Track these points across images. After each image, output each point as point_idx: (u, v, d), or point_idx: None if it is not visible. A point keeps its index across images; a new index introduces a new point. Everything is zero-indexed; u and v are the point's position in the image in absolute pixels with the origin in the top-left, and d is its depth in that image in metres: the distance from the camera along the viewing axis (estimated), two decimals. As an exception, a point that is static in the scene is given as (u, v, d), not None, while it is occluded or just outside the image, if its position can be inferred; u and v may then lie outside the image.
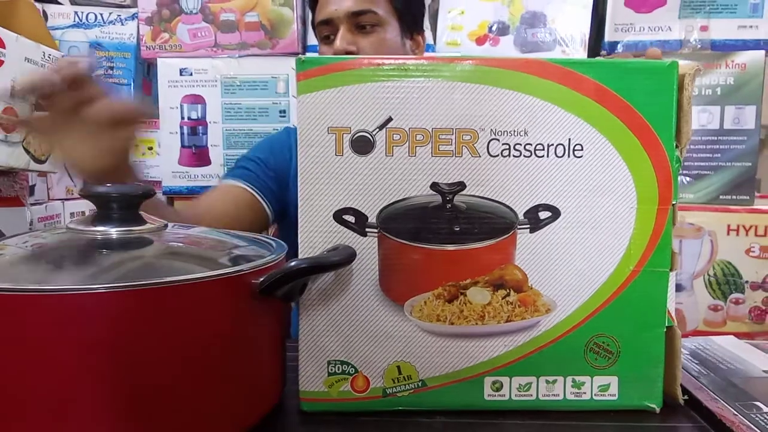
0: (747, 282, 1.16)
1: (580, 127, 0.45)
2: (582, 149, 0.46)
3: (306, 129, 0.45)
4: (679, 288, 1.19)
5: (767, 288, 1.16)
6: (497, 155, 0.45)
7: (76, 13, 1.34)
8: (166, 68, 1.26)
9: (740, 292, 1.17)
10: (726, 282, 1.17)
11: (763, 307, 1.17)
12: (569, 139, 0.45)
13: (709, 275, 1.18)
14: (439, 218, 0.46)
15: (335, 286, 0.46)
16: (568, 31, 1.24)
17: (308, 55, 1.26)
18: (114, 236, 0.44)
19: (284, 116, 1.25)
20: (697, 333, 1.19)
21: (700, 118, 1.18)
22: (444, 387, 0.47)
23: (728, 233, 1.16)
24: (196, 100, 1.26)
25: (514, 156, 0.45)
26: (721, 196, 1.18)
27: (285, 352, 0.49)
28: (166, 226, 0.48)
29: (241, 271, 0.41)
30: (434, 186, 0.46)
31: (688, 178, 1.19)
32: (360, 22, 0.89)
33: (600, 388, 0.48)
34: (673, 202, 0.46)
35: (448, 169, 0.45)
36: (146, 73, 1.41)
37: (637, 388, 0.48)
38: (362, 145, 0.45)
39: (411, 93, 0.45)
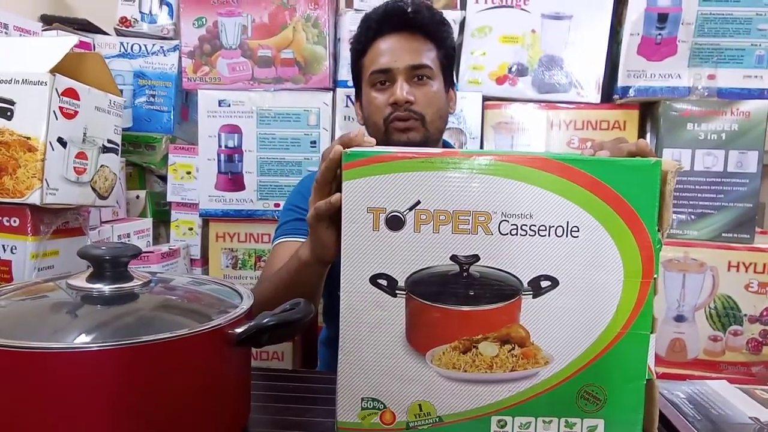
0: (745, 315, 1.22)
1: (577, 213, 0.54)
2: (578, 230, 0.54)
3: (349, 208, 0.55)
4: (681, 319, 1.26)
5: (764, 321, 1.23)
6: (507, 234, 0.55)
7: (121, 43, 1.44)
8: (206, 99, 1.36)
9: (739, 325, 1.23)
10: (726, 315, 1.24)
11: (760, 339, 1.23)
12: (567, 222, 0.54)
13: (710, 308, 1.24)
14: (457, 284, 0.55)
15: (370, 337, 0.56)
16: (584, 75, 1.31)
17: (341, 90, 1.36)
18: (107, 292, 0.53)
19: (315, 147, 1.35)
20: (697, 361, 1.26)
21: (706, 161, 1.25)
22: (457, 423, 0.57)
23: (729, 269, 1.22)
24: (233, 129, 1.36)
25: (521, 235, 0.54)
26: (723, 234, 1.24)
27: (250, 383, 0.59)
28: (149, 282, 0.57)
29: (219, 324, 0.50)
30: (453, 258, 0.55)
31: (692, 216, 1.25)
32: (417, 74, 0.97)
33: (588, 429, 0.57)
34: (655, 276, 0.55)
35: (465, 244, 0.55)
36: (185, 100, 1.52)
37: (620, 429, 0.57)
38: (395, 222, 0.54)
39: (436, 181, 0.54)
